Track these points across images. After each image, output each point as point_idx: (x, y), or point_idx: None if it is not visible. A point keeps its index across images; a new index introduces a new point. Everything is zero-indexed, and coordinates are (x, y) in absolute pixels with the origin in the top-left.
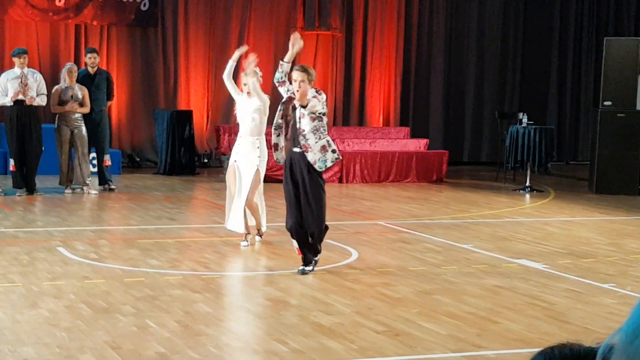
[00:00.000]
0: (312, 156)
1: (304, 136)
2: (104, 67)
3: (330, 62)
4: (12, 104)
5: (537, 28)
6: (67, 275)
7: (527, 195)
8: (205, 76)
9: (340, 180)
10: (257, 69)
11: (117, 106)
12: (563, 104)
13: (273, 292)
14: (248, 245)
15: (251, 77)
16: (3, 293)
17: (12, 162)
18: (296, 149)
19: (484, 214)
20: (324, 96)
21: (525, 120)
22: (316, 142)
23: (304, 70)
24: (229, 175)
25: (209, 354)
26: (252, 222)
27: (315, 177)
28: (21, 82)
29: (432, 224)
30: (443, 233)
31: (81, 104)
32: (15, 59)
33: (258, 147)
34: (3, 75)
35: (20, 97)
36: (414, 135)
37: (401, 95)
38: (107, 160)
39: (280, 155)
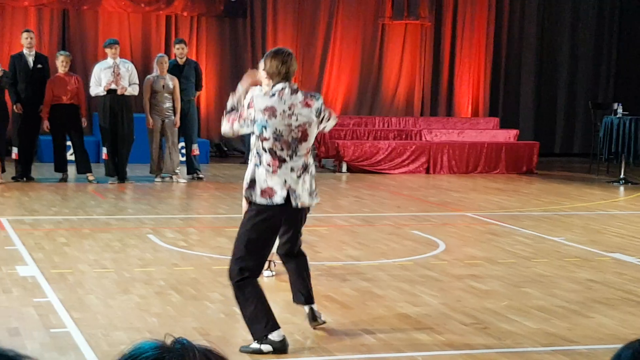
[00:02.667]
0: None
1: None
2: (193, 58)
3: (419, 52)
4: (105, 93)
5: (634, 15)
6: (157, 262)
7: (622, 188)
8: None
9: (427, 171)
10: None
11: (205, 96)
12: None
13: (359, 283)
14: (272, 276)
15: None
16: (96, 278)
17: (104, 150)
18: None
19: (576, 207)
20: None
21: (620, 110)
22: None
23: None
24: None
25: (296, 342)
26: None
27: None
28: (113, 72)
29: (521, 216)
30: (533, 225)
31: (172, 94)
32: (107, 50)
33: None
34: (97, 65)
35: (113, 86)
36: (504, 125)
37: (491, 85)
38: (196, 150)
39: None
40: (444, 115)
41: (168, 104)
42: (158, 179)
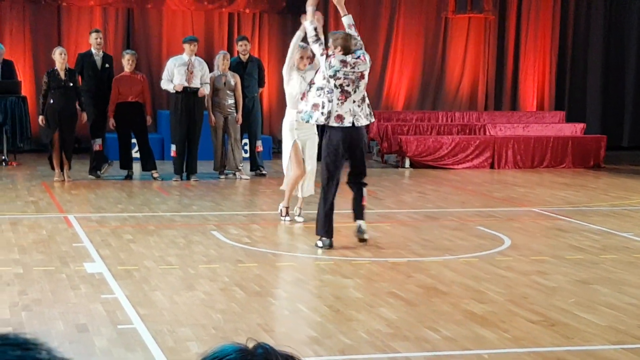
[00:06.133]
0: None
1: None
2: (255, 55)
3: (482, 45)
4: (174, 92)
5: None
6: (222, 258)
7: None
8: None
9: (492, 166)
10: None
11: (268, 93)
12: None
13: (423, 279)
14: (303, 222)
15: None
16: (162, 275)
17: (173, 147)
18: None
19: None
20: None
21: None
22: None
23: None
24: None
25: (360, 339)
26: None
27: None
28: (187, 69)
29: (589, 211)
30: (601, 221)
31: (233, 91)
32: (186, 45)
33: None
34: (171, 60)
35: (184, 84)
36: (570, 119)
37: (556, 78)
38: (259, 146)
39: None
40: (508, 109)
41: (230, 101)
42: (221, 176)
